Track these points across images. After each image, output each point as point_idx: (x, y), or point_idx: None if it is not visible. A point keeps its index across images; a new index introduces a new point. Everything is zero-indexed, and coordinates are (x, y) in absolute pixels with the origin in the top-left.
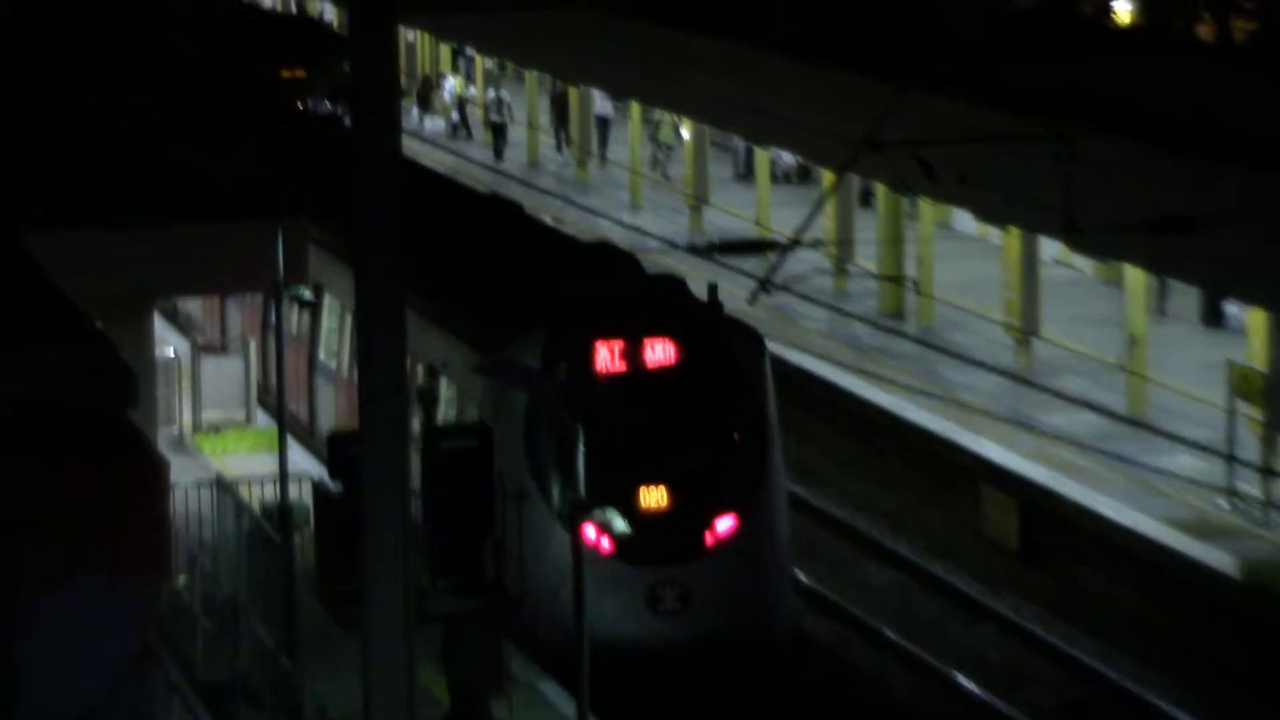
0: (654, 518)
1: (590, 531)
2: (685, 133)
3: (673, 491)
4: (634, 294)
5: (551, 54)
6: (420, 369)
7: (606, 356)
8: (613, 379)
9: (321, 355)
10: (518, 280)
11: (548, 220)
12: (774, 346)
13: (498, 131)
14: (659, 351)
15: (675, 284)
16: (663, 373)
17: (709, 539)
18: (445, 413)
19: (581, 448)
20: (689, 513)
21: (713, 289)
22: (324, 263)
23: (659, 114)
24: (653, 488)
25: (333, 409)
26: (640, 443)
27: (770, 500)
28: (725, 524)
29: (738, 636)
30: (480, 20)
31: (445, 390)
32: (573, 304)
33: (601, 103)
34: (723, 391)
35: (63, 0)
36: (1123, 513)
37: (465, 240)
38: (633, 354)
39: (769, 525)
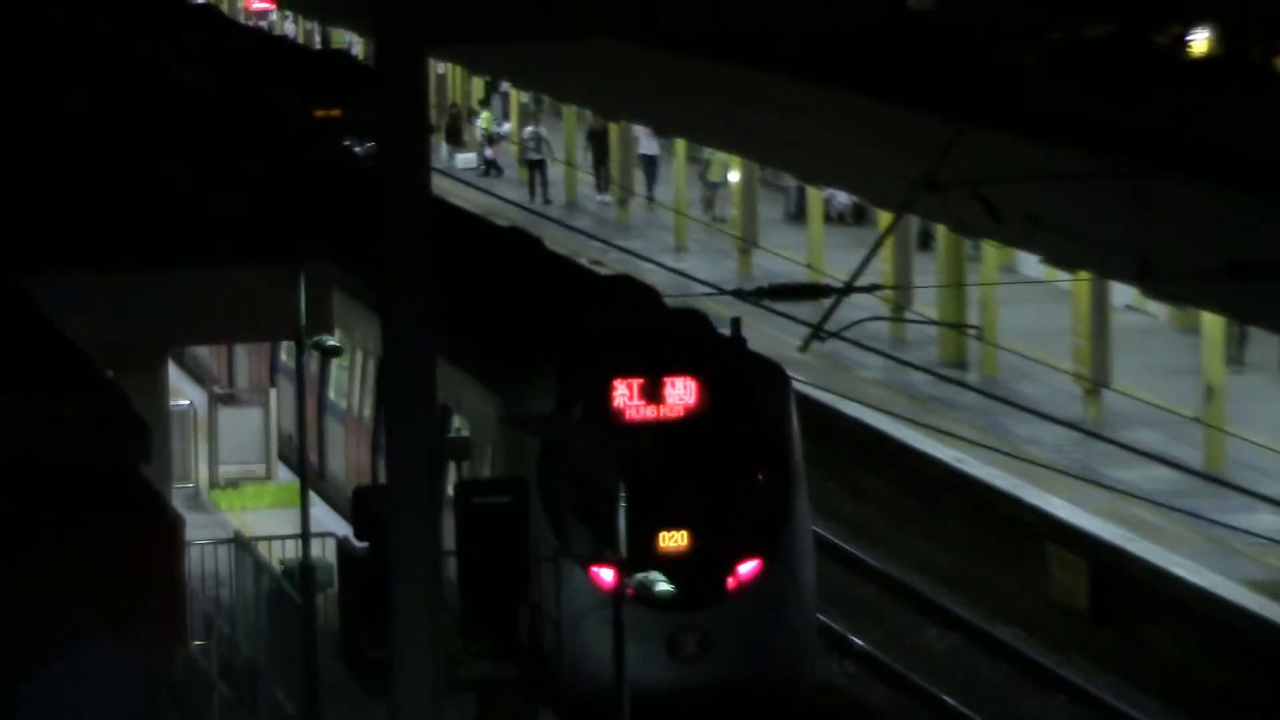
0: (674, 561)
1: (607, 575)
2: (734, 173)
3: (693, 534)
4: (653, 330)
5: (590, 88)
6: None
7: (625, 395)
8: (631, 418)
9: (336, 400)
10: (533, 315)
11: (570, 255)
12: (827, 397)
13: (534, 169)
14: (679, 389)
15: (696, 318)
16: (683, 411)
17: (731, 583)
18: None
19: (609, 492)
20: (710, 556)
21: (735, 323)
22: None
23: (708, 152)
24: (673, 530)
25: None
26: (660, 484)
27: (794, 542)
28: (748, 568)
29: (760, 683)
30: (514, 53)
31: (456, 428)
32: (589, 340)
33: (647, 140)
34: (745, 430)
35: (71, 36)
36: (1199, 574)
37: (481, 274)
38: (652, 392)
39: (793, 568)
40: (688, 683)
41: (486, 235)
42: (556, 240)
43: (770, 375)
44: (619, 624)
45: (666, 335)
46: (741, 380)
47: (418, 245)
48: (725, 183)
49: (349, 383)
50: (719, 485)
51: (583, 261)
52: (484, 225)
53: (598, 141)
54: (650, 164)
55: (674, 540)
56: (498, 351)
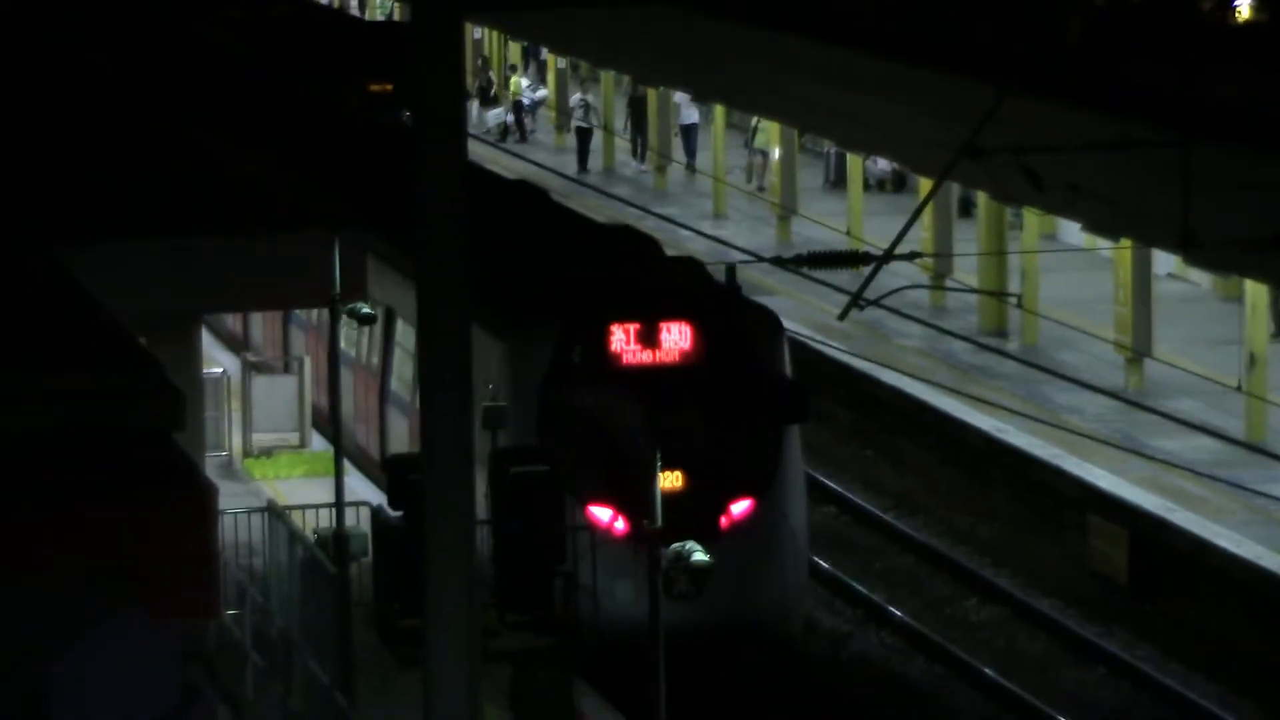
0: (669, 501)
1: (603, 513)
2: (775, 147)
3: (688, 474)
4: (650, 277)
5: (630, 54)
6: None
7: (622, 339)
8: (628, 362)
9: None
10: (536, 264)
11: (577, 209)
12: (867, 366)
13: (582, 138)
14: (675, 334)
15: (693, 266)
16: (678, 356)
17: (724, 522)
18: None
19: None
20: (704, 495)
21: (730, 271)
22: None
23: (754, 119)
24: (668, 471)
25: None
26: (654, 426)
27: (786, 483)
28: (740, 507)
29: (753, 618)
30: (552, 18)
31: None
32: (588, 287)
33: (687, 108)
34: (739, 374)
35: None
36: (1242, 545)
37: (487, 226)
38: (648, 337)
39: (784, 508)
40: (682, 619)
41: (494, 187)
42: (594, 208)
43: (764, 321)
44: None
45: (663, 282)
46: (735, 326)
47: (454, 213)
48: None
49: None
50: (713, 427)
51: (587, 214)
52: (492, 177)
53: (636, 109)
54: (690, 133)
55: (669, 480)
56: (502, 298)
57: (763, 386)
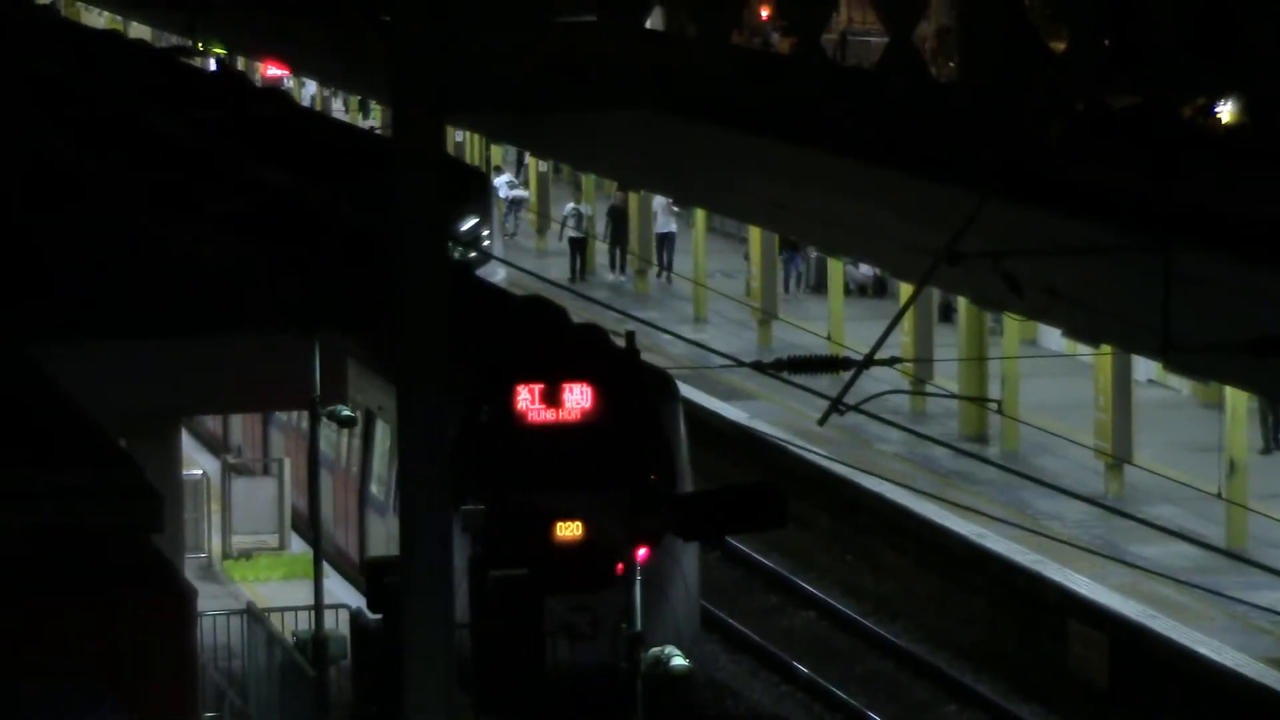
0: (568, 548)
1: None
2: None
3: (586, 524)
4: (554, 340)
5: (610, 157)
6: (360, 413)
7: (527, 399)
8: (532, 420)
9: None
10: (452, 329)
11: (496, 282)
12: (847, 471)
13: (575, 247)
14: (576, 394)
15: (595, 332)
16: (579, 414)
17: (620, 568)
18: (381, 458)
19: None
20: (601, 544)
21: (630, 336)
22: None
23: (750, 229)
24: (568, 521)
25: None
26: (557, 479)
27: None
28: (635, 556)
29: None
30: (534, 121)
31: (381, 434)
32: (497, 349)
33: (664, 217)
34: (636, 432)
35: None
36: (1222, 651)
37: None
38: (552, 396)
39: (678, 558)
40: (579, 660)
41: None
42: (574, 309)
43: (661, 384)
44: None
45: (566, 345)
46: (634, 387)
47: (436, 314)
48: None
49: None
50: (611, 481)
51: (505, 288)
52: None
53: (616, 219)
54: (667, 242)
55: (569, 530)
56: None
57: (657, 443)
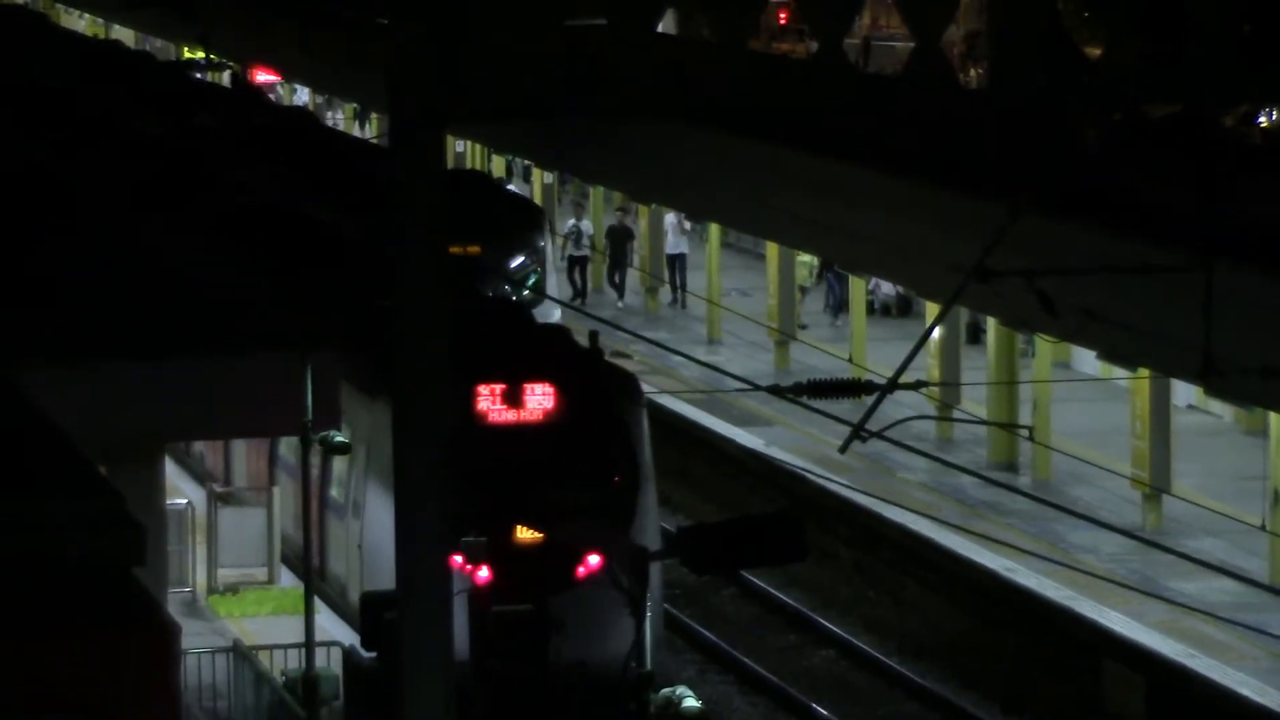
0: (528, 552)
1: (460, 561)
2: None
3: (547, 528)
4: (516, 340)
5: (619, 169)
6: None
7: (488, 399)
8: (494, 420)
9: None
10: None
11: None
12: (870, 502)
13: (575, 266)
14: (538, 395)
15: (558, 332)
16: (541, 415)
17: (580, 572)
18: (340, 461)
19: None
20: (561, 547)
21: (593, 336)
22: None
23: (767, 246)
24: (528, 524)
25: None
26: (518, 481)
27: (642, 537)
28: (595, 559)
29: (605, 664)
30: (538, 131)
31: (339, 434)
32: (458, 350)
33: (675, 237)
34: (598, 434)
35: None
36: (1265, 693)
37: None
38: (513, 397)
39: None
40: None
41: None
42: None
43: (625, 385)
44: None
45: (528, 346)
46: (596, 388)
47: (435, 333)
48: (812, 286)
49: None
50: (572, 483)
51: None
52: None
53: (616, 241)
54: (679, 263)
55: (529, 532)
56: (377, 361)
57: (620, 445)
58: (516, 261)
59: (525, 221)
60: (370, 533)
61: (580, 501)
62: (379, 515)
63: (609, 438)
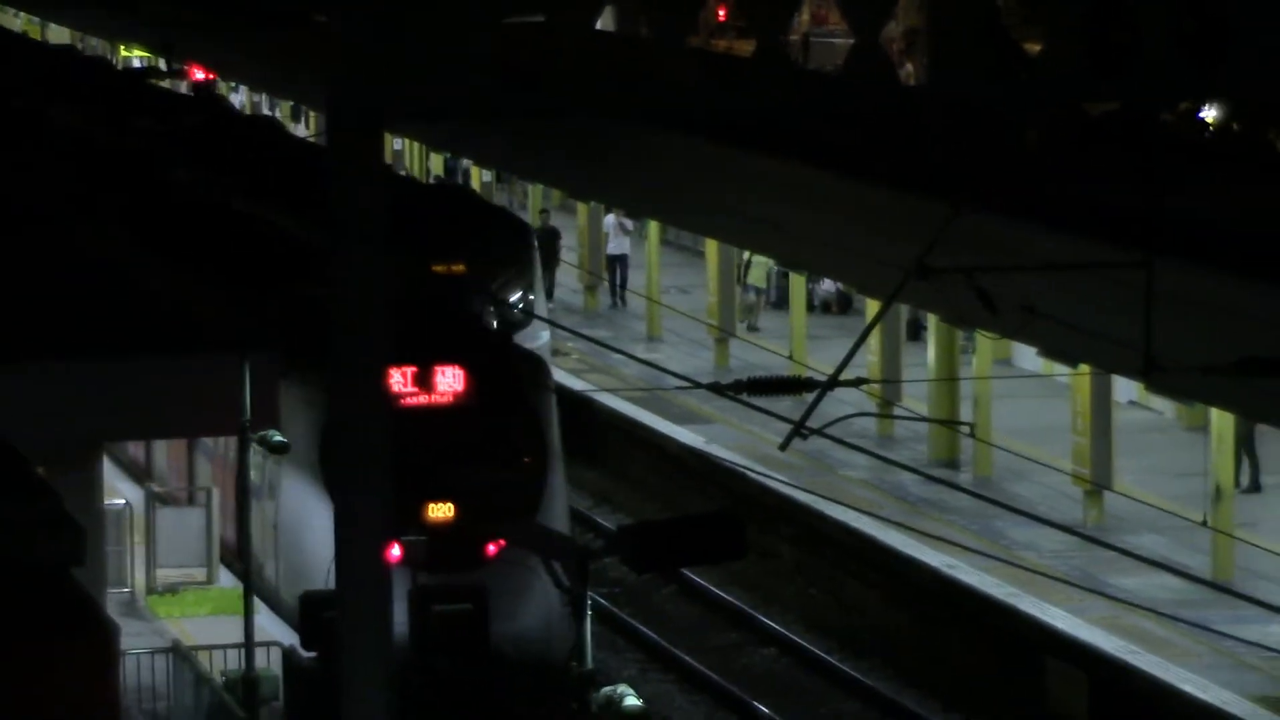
0: (439, 529)
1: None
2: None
3: (458, 505)
4: (426, 323)
5: (558, 167)
6: None
7: (399, 381)
8: (405, 403)
9: None
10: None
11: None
12: (810, 499)
13: None
14: (448, 377)
15: (467, 315)
16: (451, 397)
17: (491, 550)
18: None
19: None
20: (472, 525)
21: (501, 318)
22: None
23: (744, 254)
24: (439, 502)
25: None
26: (429, 461)
27: (551, 514)
28: (504, 539)
29: (516, 640)
30: (478, 128)
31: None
32: None
33: (616, 237)
34: (507, 414)
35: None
36: (1208, 690)
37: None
38: (424, 379)
39: None
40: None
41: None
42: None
43: (533, 367)
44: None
45: (438, 328)
46: (505, 369)
47: (372, 334)
48: (768, 288)
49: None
50: (482, 462)
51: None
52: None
53: (546, 246)
54: (619, 264)
55: (440, 511)
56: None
57: (529, 427)
58: (500, 280)
59: (511, 238)
60: (284, 513)
61: (489, 482)
62: (292, 495)
63: (518, 419)
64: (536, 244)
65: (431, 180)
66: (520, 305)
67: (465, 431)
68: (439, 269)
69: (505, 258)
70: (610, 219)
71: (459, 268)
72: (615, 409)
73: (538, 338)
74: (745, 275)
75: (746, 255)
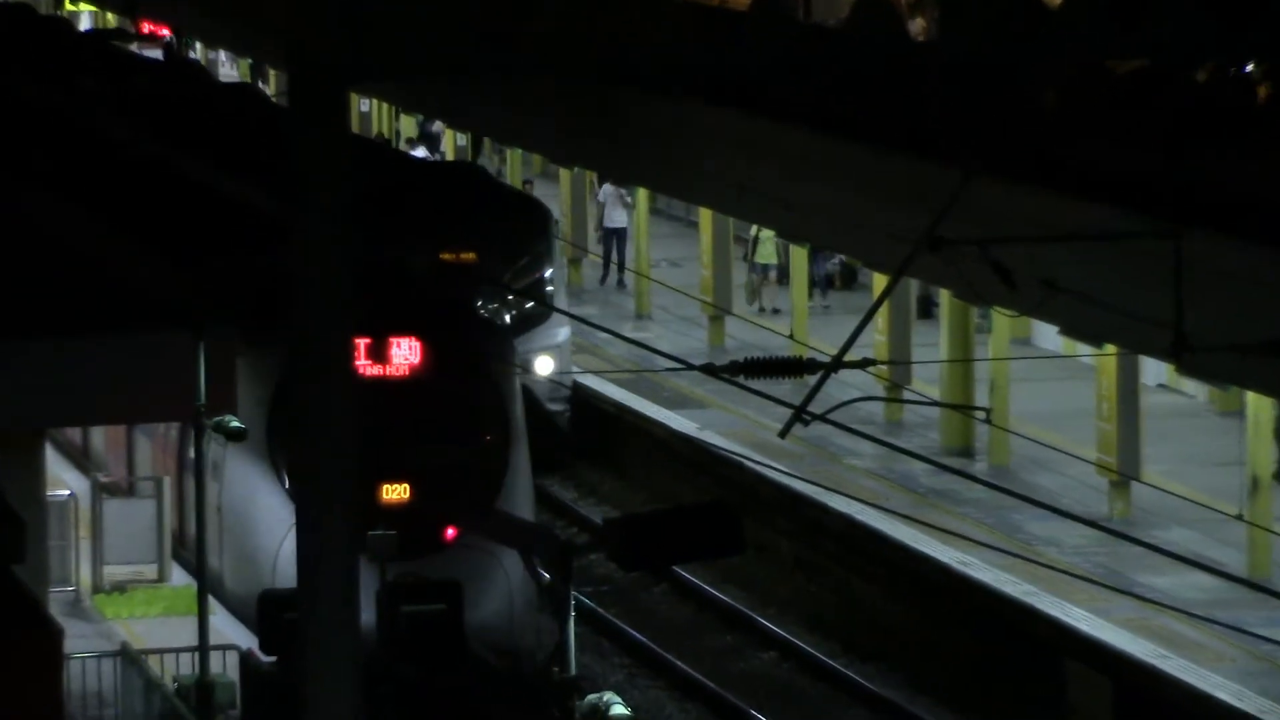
0: (394, 512)
1: None
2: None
3: (414, 486)
4: (380, 292)
5: (538, 131)
6: None
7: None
8: (358, 376)
9: None
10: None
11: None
12: (812, 490)
13: None
14: (404, 349)
15: (422, 284)
16: (408, 370)
17: (449, 534)
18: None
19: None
20: (429, 508)
21: (464, 286)
22: None
23: (753, 228)
24: (394, 483)
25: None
26: (383, 438)
27: (513, 496)
28: (464, 520)
29: (480, 626)
30: (452, 88)
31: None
32: None
33: (614, 209)
34: (467, 389)
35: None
36: (1244, 697)
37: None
38: (378, 351)
39: None
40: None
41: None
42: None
43: (494, 337)
44: None
45: (393, 297)
46: (465, 341)
47: (337, 304)
48: (775, 265)
49: None
50: (439, 440)
51: None
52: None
53: None
54: (618, 238)
55: (395, 492)
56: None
57: (490, 402)
58: (517, 270)
59: (527, 223)
60: (229, 493)
61: (447, 461)
62: (236, 475)
63: (478, 395)
64: (556, 231)
65: (436, 157)
66: (538, 298)
67: (421, 407)
68: (448, 257)
69: (520, 244)
70: (608, 189)
71: (469, 256)
72: (602, 393)
73: (556, 335)
74: (753, 253)
75: (755, 231)
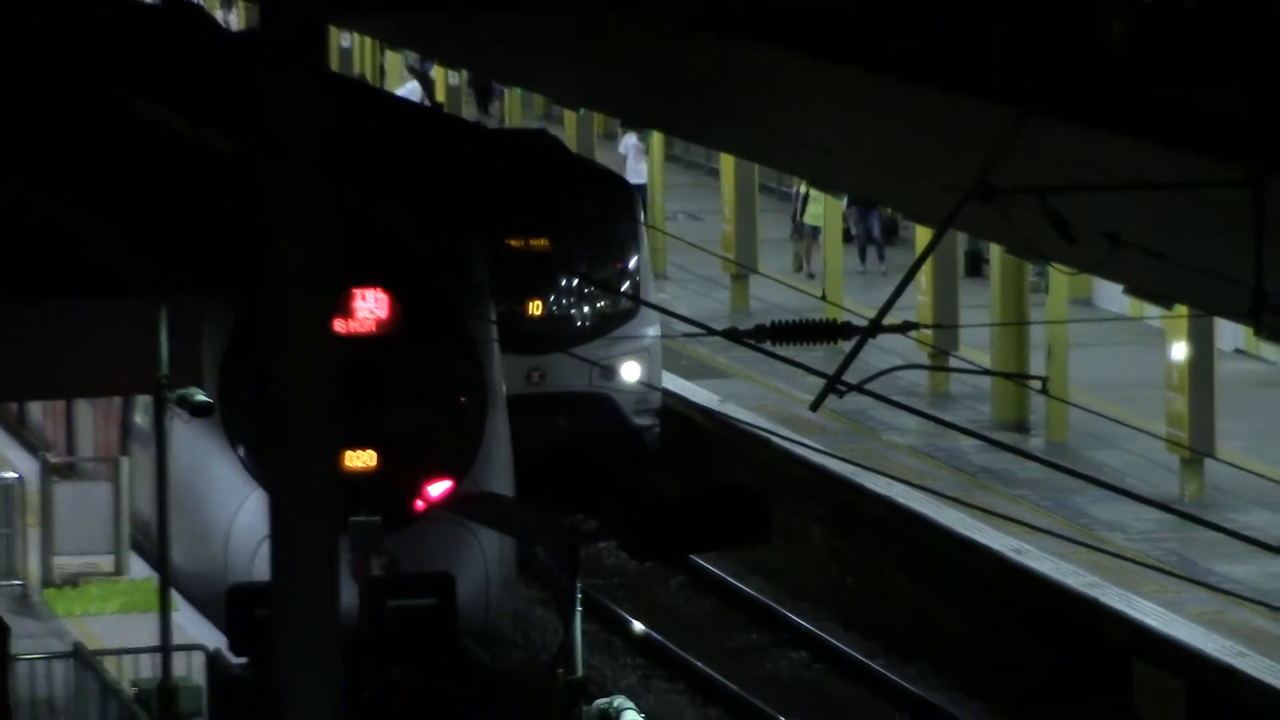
0: (361, 481)
1: None
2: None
3: (382, 454)
4: (345, 243)
5: (541, 69)
6: None
7: None
8: None
9: None
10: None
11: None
12: (846, 470)
13: None
14: (370, 302)
15: (390, 230)
16: (374, 325)
17: (420, 505)
18: None
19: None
20: (399, 477)
21: (437, 233)
22: None
23: (802, 187)
24: (360, 450)
25: None
26: (347, 401)
27: (490, 465)
28: (438, 489)
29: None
30: (443, 22)
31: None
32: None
33: (636, 161)
34: (440, 346)
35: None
36: None
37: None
38: (341, 305)
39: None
40: None
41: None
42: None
43: (469, 291)
44: None
45: (357, 244)
46: (437, 295)
47: (316, 262)
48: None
49: None
50: (410, 404)
51: None
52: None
53: None
54: (640, 195)
55: (361, 460)
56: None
57: (465, 360)
58: (605, 253)
59: (611, 204)
60: (174, 464)
61: (418, 425)
62: (182, 443)
63: (452, 353)
64: (642, 209)
65: (504, 125)
66: (626, 292)
67: (390, 366)
68: (517, 243)
69: (603, 229)
70: (630, 140)
71: (541, 243)
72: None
73: (644, 335)
74: (802, 213)
75: (803, 188)
